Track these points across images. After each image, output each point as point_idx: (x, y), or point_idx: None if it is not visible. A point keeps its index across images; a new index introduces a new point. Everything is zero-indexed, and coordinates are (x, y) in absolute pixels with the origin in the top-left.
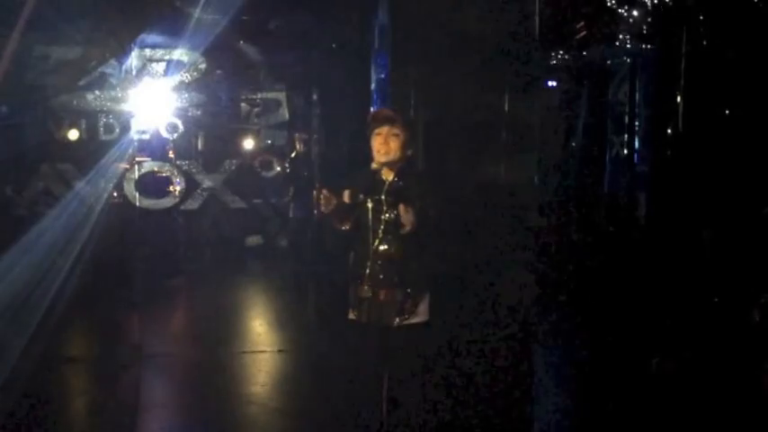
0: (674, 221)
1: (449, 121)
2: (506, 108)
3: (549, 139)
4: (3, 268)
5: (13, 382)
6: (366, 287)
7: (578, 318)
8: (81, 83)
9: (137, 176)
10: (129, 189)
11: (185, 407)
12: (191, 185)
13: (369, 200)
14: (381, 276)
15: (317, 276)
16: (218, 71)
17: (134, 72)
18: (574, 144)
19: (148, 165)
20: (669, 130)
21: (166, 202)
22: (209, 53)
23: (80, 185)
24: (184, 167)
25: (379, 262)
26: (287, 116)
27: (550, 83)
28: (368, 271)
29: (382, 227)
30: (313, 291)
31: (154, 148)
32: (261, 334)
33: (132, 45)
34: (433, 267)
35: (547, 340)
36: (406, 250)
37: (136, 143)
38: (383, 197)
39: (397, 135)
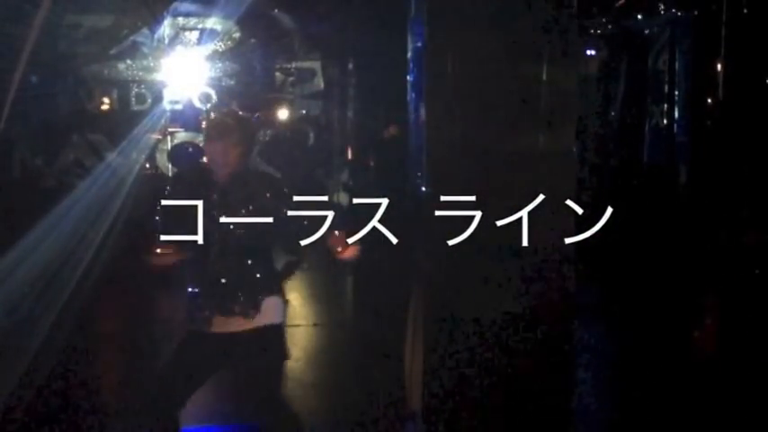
0: (715, 192)
1: (486, 91)
2: (544, 77)
3: (589, 110)
4: (34, 241)
5: (44, 357)
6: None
7: (616, 293)
8: (113, 52)
9: (169, 147)
10: (162, 160)
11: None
12: None
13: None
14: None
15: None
16: (253, 40)
17: (167, 41)
18: (613, 114)
19: (181, 135)
20: (709, 100)
21: None
22: (243, 21)
23: (111, 156)
24: None
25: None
26: (322, 85)
27: (589, 52)
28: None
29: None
30: (350, 264)
31: (187, 119)
32: (296, 307)
33: (165, 13)
34: None
35: (585, 316)
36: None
37: (168, 113)
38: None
39: (236, 145)
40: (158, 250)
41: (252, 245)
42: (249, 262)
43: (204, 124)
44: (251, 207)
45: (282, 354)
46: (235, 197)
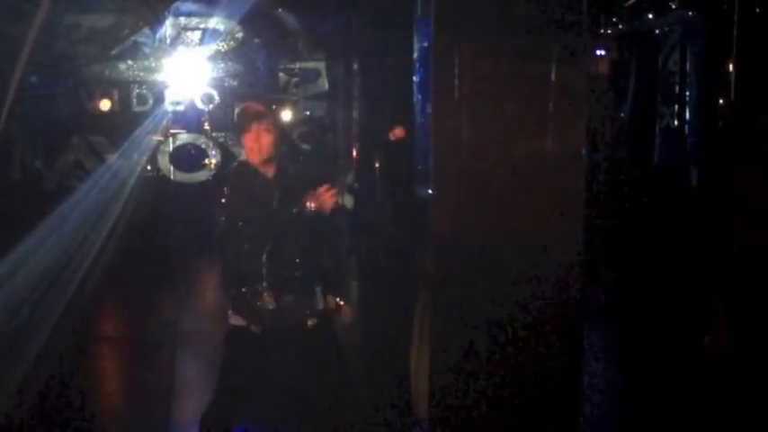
0: (726, 195)
1: (494, 92)
2: (553, 77)
3: (598, 110)
4: (33, 245)
5: (45, 360)
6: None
7: (625, 295)
8: (113, 52)
9: (171, 149)
10: (164, 162)
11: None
12: (227, 158)
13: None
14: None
15: (357, 250)
16: (256, 40)
17: (168, 41)
18: (623, 115)
19: (183, 137)
20: (721, 101)
21: (202, 176)
22: (246, 21)
23: (112, 158)
24: (220, 139)
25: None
26: (326, 86)
27: (599, 52)
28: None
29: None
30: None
31: (189, 120)
32: None
33: (166, 13)
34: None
35: (593, 318)
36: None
37: (170, 114)
38: (271, 199)
39: (268, 130)
40: None
41: (293, 241)
42: (296, 252)
43: (236, 119)
44: (291, 196)
45: (335, 347)
46: (275, 187)
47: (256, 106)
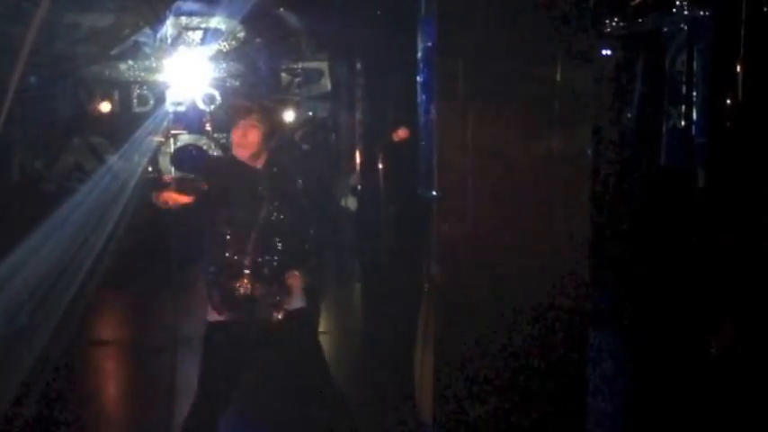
0: (734, 196)
1: (498, 92)
2: (558, 78)
3: (604, 111)
4: (33, 247)
5: (44, 364)
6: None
7: (633, 298)
8: (113, 52)
9: (172, 150)
10: (164, 163)
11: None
12: None
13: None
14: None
15: (362, 256)
16: (258, 39)
17: (169, 41)
18: (629, 115)
19: (184, 138)
20: (729, 101)
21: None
22: (247, 21)
23: (113, 160)
24: (222, 140)
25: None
26: (329, 87)
27: (605, 51)
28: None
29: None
30: (358, 271)
31: (190, 121)
32: None
33: (167, 12)
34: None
35: (600, 321)
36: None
37: (171, 115)
38: (257, 189)
39: (255, 126)
40: None
41: (277, 231)
42: (276, 247)
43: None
44: (276, 194)
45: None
46: (260, 184)
47: (244, 103)
